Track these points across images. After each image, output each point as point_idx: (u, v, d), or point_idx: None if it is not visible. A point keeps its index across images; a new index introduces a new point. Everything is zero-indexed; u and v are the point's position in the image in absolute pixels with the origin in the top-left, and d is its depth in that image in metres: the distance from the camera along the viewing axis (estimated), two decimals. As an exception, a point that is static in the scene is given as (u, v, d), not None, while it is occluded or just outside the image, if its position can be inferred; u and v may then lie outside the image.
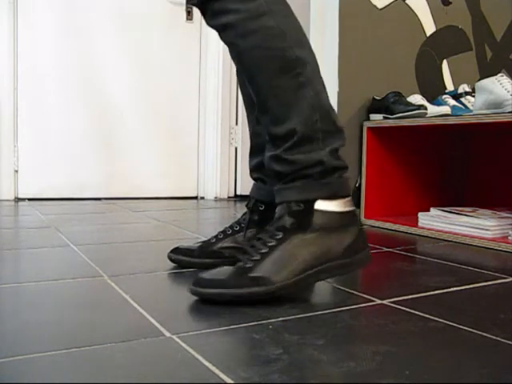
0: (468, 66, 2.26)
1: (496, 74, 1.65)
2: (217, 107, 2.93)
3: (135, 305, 0.86)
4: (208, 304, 0.85)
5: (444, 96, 2.01)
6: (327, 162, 0.91)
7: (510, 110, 1.52)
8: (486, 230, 1.53)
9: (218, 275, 0.88)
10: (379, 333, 0.75)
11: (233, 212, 2.33)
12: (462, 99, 2.01)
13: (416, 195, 2.04)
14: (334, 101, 1.83)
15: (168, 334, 0.72)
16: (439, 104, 1.95)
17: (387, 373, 0.61)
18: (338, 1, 1.87)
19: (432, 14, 2.12)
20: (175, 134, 2.88)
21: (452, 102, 1.97)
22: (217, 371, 0.60)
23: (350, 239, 0.92)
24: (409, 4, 2.06)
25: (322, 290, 0.99)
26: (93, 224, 1.77)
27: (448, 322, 0.80)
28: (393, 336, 0.73)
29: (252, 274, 0.86)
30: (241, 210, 2.39)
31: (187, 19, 2.87)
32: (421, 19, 2.10)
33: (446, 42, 2.18)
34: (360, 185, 1.93)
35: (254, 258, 0.88)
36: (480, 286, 1.04)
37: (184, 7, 2.85)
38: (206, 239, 1.17)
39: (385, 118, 1.87)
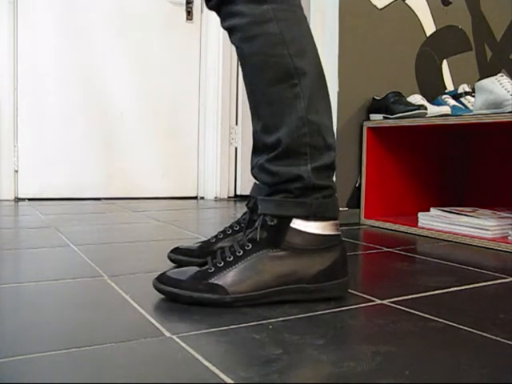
0: (468, 66, 2.26)
1: (496, 74, 1.65)
2: (217, 107, 2.93)
3: (135, 305, 0.86)
4: (208, 304, 0.85)
5: (444, 96, 2.01)
6: (307, 179, 0.87)
7: (510, 110, 1.52)
8: (486, 229, 1.53)
9: (179, 275, 0.88)
10: (379, 333, 0.75)
11: (233, 212, 2.33)
12: (462, 99, 2.01)
13: (416, 195, 2.04)
14: (334, 101, 1.83)
15: (168, 334, 0.72)
16: (439, 104, 1.96)
17: (387, 373, 0.61)
18: (338, 1, 1.87)
19: (432, 14, 2.12)
20: (175, 134, 2.88)
21: (452, 101, 1.97)
22: (217, 371, 0.60)
23: (324, 265, 0.88)
24: (409, 4, 2.06)
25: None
26: (93, 224, 1.77)
27: (448, 322, 0.80)
28: (393, 336, 0.73)
29: (210, 281, 0.85)
30: (241, 209, 2.39)
31: (187, 19, 2.87)
32: (421, 19, 2.10)
33: (445, 42, 2.18)
34: (360, 185, 1.93)
35: (218, 264, 0.87)
36: (480, 286, 1.04)
37: (184, 7, 2.85)
38: (205, 239, 1.17)
39: (385, 118, 1.87)
